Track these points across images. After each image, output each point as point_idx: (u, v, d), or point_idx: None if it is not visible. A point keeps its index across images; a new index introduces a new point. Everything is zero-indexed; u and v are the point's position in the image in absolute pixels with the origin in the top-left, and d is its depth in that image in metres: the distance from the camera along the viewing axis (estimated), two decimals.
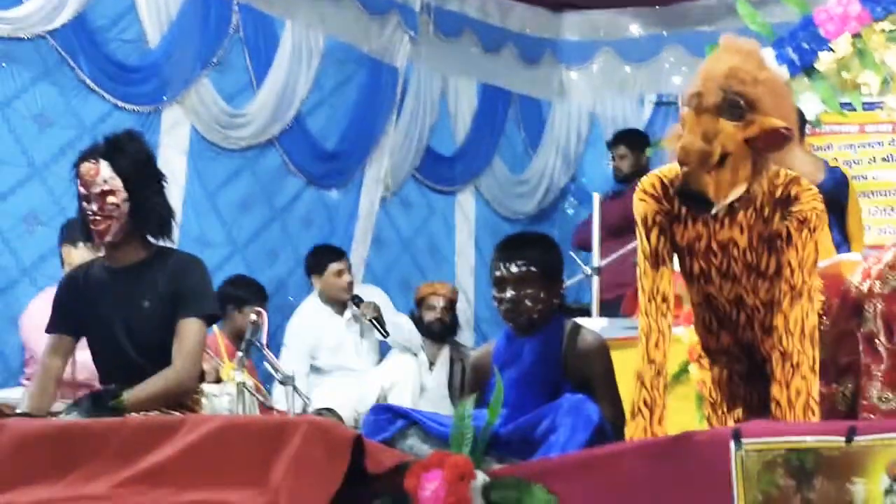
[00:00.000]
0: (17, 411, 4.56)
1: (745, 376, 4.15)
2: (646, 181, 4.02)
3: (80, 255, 6.23)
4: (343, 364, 7.77)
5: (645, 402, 3.93)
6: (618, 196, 8.40)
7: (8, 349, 6.61)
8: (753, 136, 3.75)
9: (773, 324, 3.92)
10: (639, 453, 3.41)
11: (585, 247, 8.05)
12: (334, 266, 7.79)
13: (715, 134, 3.73)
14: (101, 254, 4.91)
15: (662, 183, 3.97)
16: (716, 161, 3.74)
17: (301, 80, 8.11)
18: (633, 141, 8.78)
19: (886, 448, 3.15)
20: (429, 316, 8.25)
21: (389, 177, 8.74)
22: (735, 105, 3.75)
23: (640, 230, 4.01)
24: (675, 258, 4.06)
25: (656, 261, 3.99)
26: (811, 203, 3.89)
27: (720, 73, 3.76)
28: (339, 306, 7.84)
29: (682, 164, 3.78)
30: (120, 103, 7.16)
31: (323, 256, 7.86)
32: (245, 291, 7.41)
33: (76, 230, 6.24)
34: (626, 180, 8.55)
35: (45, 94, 6.95)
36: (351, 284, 7.82)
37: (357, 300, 7.77)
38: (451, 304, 8.33)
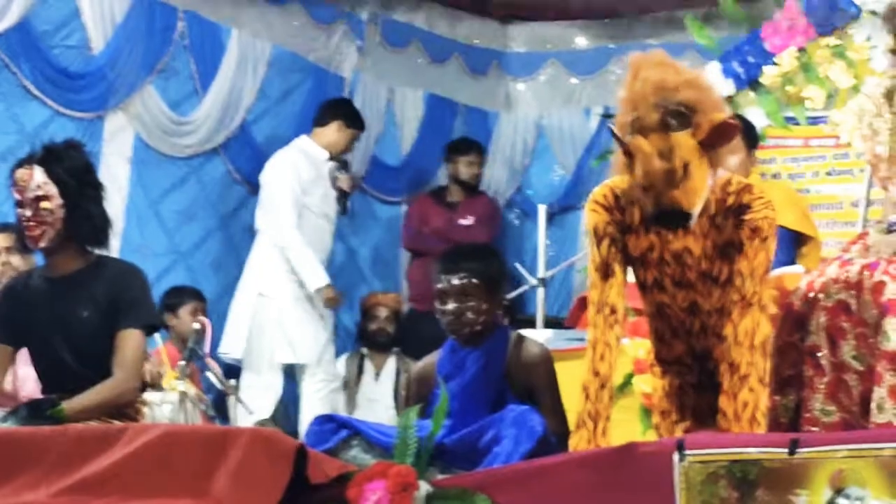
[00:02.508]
0: None
1: (695, 386, 4.16)
2: (598, 192, 4.02)
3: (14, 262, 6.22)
4: None
5: (589, 414, 3.93)
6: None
7: None
8: (705, 136, 3.76)
9: (724, 333, 3.93)
10: (583, 464, 3.41)
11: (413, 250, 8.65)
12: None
13: (670, 149, 3.74)
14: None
15: (614, 193, 3.98)
16: (681, 175, 3.75)
17: (247, 88, 8.08)
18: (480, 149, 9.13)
19: (828, 460, 3.16)
20: (373, 326, 8.26)
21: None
22: (679, 115, 3.76)
23: (590, 241, 4.01)
24: (629, 269, 4.06)
25: (606, 272, 3.99)
26: (763, 211, 3.90)
27: (649, 90, 3.76)
28: None
29: (647, 188, 3.77)
30: (62, 109, 7.11)
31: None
32: (177, 297, 7.36)
33: None
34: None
35: None
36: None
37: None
38: (395, 315, 8.33)
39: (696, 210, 3.84)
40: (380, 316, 8.27)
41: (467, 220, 8.90)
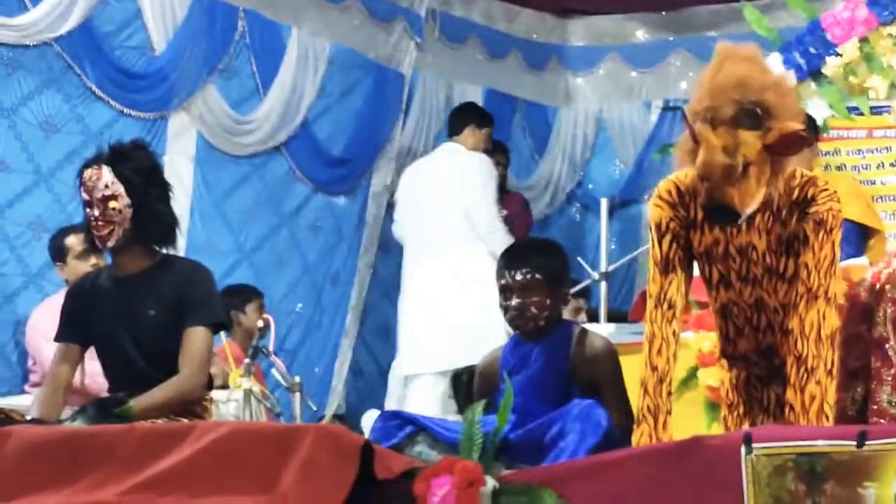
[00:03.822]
0: (27, 418, 4.55)
1: (762, 379, 4.14)
2: (662, 187, 4.00)
3: (71, 269, 6.28)
4: None
5: (648, 409, 3.92)
6: None
7: (14, 356, 6.60)
8: (773, 142, 3.74)
9: (790, 327, 3.91)
10: (650, 458, 3.40)
11: None
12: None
13: (736, 146, 3.72)
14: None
15: (678, 189, 3.96)
16: (740, 173, 3.74)
17: (307, 87, 8.10)
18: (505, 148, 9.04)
19: None
20: None
21: (396, 182, 8.73)
22: (753, 115, 3.73)
23: (652, 236, 4.00)
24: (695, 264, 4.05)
25: (666, 267, 3.97)
26: (828, 204, 3.87)
27: (730, 84, 3.74)
28: None
29: (704, 179, 3.76)
30: (126, 110, 7.15)
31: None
32: (240, 296, 7.39)
33: (59, 248, 6.32)
34: None
35: (51, 100, 6.94)
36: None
37: None
38: None
39: (748, 212, 3.82)
40: None
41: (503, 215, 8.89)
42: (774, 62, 6.77)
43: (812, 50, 6.83)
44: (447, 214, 7.68)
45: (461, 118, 8.06)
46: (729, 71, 3.77)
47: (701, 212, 3.92)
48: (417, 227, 7.79)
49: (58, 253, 6.45)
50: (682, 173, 3.96)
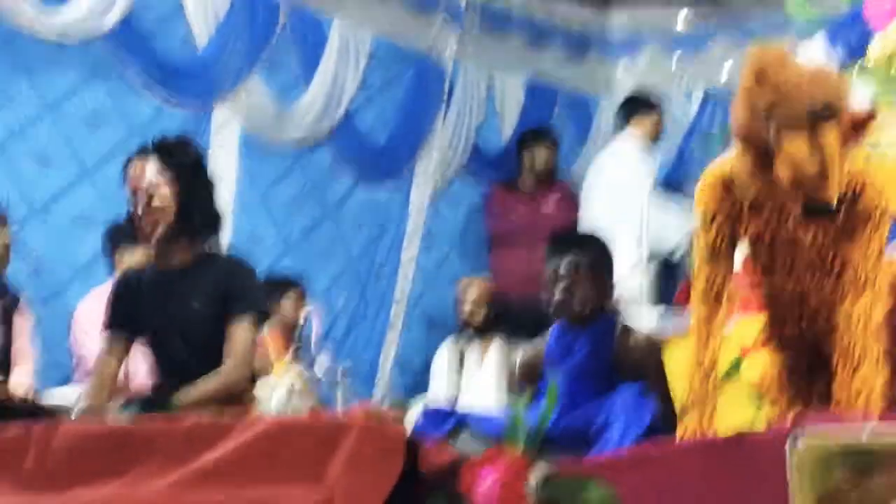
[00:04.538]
0: (74, 411, 4.59)
1: (808, 370, 4.12)
2: (707, 175, 3.99)
3: (131, 259, 6.31)
4: None
5: (694, 401, 3.91)
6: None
7: (62, 349, 6.64)
8: (846, 130, 3.72)
9: (836, 319, 3.90)
10: (696, 449, 3.40)
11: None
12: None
13: (821, 146, 3.68)
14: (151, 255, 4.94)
15: (724, 177, 3.95)
16: (829, 173, 3.71)
17: (349, 79, 8.12)
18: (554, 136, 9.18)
19: None
20: (463, 312, 8.28)
21: (438, 173, 8.74)
22: (826, 110, 3.69)
23: (698, 224, 3.99)
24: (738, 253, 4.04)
25: (712, 255, 3.97)
26: (875, 197, 3.86)
27: (798, 84, 3.69)
28: None
29: (796, 184, 3.72)
30: (169, 104, 7.20)
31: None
32: (276, 287, 7.36)
33: (119, 237, 6.36)
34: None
35: (94, 95, 6.99)
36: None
37: None
38: (485, 299, 8.32)
39: (836, 198, 3.79)
40: (468, 300, 8.29)
41: (550, 207, 8.91)
42: (816, 49, 6.75)
43: (853, 38, 6.79)
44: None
45: (625, 111, 8.42)
46: (789, 70, 3.74)
47: (748, 200, 3.90)
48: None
49: (113, 245, 6.46)
50: (727, 160, 3.95)
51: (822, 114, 3.69)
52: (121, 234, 6.45)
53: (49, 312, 6.68)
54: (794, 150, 3.67)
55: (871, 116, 3.76)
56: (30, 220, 6.74)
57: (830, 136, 3.69)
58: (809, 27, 7.02)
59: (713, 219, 3.95)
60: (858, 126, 3.73)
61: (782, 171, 3.69)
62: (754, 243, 3.97)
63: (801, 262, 3.94)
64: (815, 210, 3.78)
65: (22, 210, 6.69)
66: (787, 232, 3.91)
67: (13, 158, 6.70)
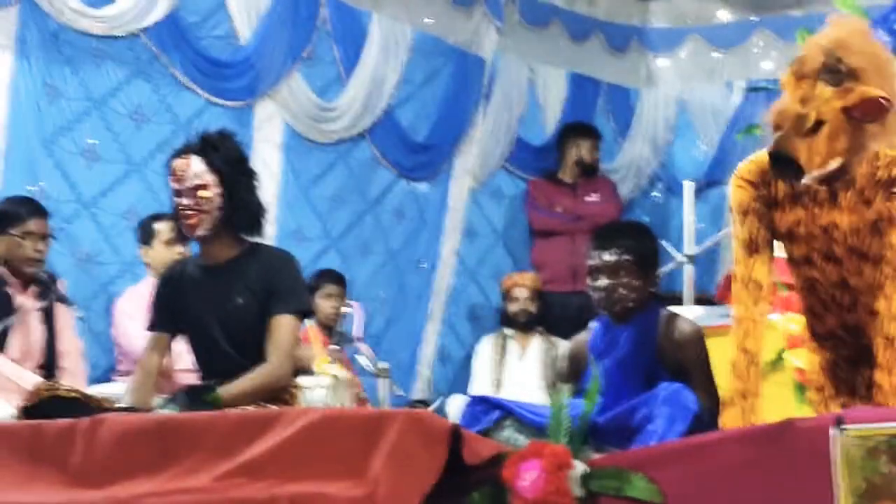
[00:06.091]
0: (119, 405, 4.61)
1: (851, 361, 4.10)
2: (743, 167, 3.99)
3: (156, 254, 6.36)
4: None
5: (738, 392, 3.90)
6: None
7: (110, 344, 6.68)
8: (851, 104, 3.69)
9: (876, 307, 3.88)
10: (740, 441, 3.38)
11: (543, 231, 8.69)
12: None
13: (811, 98, 3.68)
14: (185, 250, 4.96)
15: (760, 168, 3.94)
16: (810, 126, 3.69)
17: (390, 73, 8.13)
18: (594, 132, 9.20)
19: None
20: (513, 307, 8.30)
21: (479, 166, 8.75)
22: (834, 70, 3.69)
23: (735, 217, 3.98)
24: (776, 244, 4.02)
25: (750, 248, 3.96)
26: None
27: (825, 41, 3.71)
28: None
29: (776, 127, 3.73)
30: (213, 99, 7.24)
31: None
32: (317, 280, 7.37)
33: (143, 233, 6.40)
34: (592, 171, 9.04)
35: (139, 90, 7.03)
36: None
37: None
38: (535, 294, 8.34)
39: (814, 175, 3.73)
40: (519, 297, 8.31)
41: (593, 198, 8.92)
42: None
43: None
44: None
45: None
46: (830, 32, 3.75)
47: (783, 191, 3.89)
48: None
49: (145, 237, 6.52)
50: (762, 153, 3.93)
51: (829, 71, 3.67)
52: (145, 231, 6.51)
53: (97, 307, 6.72)
54: (789, 92, 3.68)
55: (885, 101, 3.71)
56: (78, 215, 6.78)
57: (827, 92, 3.67)
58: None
59: (748, 211, 3.95)
60: (871, 105, 3.68)
61: (771, 109, 3.70)
62: (791, 234, 3.96)
63: (840, 248, 3.92)
64: (783, 162, 3.73)
65: (70, 205, 6.73)
66: (822, 219, 3.89)
67: (61, 154, 6.74)
